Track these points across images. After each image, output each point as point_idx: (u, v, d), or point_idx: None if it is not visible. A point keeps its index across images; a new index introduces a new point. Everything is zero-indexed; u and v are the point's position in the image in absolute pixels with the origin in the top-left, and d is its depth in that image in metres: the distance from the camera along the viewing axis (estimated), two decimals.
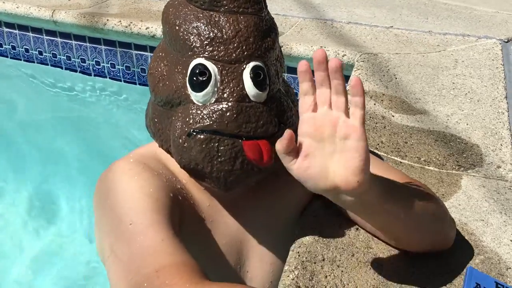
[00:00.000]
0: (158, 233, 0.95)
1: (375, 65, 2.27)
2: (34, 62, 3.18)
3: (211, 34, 1.03)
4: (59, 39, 3.04)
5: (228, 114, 1.01)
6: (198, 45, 1.04)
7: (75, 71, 3.08)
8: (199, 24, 1.04)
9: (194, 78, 1.02)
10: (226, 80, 1.02)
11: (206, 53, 1.03)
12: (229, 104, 1.01)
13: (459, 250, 1.27)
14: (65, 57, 3.07)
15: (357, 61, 2.32)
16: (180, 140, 1.04)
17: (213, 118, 1.02)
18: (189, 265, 0.91)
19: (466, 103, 1.97)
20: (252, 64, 1.04)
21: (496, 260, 1.24)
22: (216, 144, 1.02)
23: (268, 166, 1.05)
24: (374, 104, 1.94)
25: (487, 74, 2.20)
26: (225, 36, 1.03)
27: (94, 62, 3.00)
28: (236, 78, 1.02)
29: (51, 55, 3.10)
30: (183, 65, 1.05)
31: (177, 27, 1.06)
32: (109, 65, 2.98)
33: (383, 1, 3.10)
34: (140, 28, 2.73)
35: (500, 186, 1.52)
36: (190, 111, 1.03)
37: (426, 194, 1.11)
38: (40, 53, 3.13)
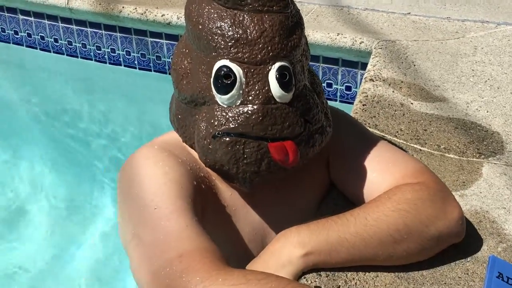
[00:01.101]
0: (182, 219, 0.95)
1: (393, 52, 2.24)
2: (50, 51, 3.19)
3: (236, 35, 1.00)
4: (74, 27, 3.04)
5: (254, 117, 0.99)
6: (222, 46, 1.01)
7: (90, 58, 3.08)
8: (223, 23, 1.01)
9: (219, 81, 1.00)
10: (252, 82, 1.00)
11: (231, 54, 1.00)
12: (255, 107, 0.99)
13: (481, 238, 1.26)
14: (80, 45, 3.07)
15: (374, 48, 2.30)
16: (205, 142, 1.03)
17: (238, 121, 1.00)
18: (212, 251, 0.91)
19: (486, 90, 1.95)
20: (277, 64, 1.01)
21: None
22: (242, 146, 1.00)
23: (294, 166, 1.04)
24: (393, 91, 1.92)
25: (507, 61, 2.17)
26: (249, 37, 1.00)
27: (109, 50, 3.00)
28: (261, 80, 1.00)
29: (66, 42, 3.11)
30: (207, 65, 1.03)
31: (200, 26, 1.04)
32: (124, 53, 2.98)
33: None
34: (155, 15, 2.72)
35: None
36: (215, 113, 1.02)
37: (401, 215, 1.05)
38: (56, 40, 3.14)
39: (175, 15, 2.67)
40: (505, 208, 1.36)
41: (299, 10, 1.10)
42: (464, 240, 1.18)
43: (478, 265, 1.17)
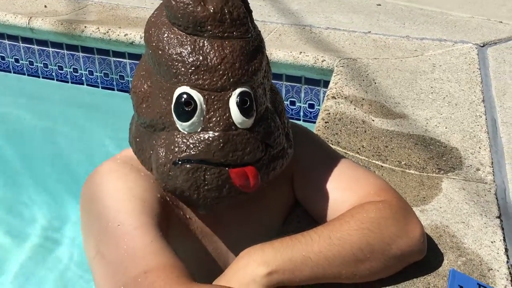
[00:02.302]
0: (146, 235, 0.95)
1: (354, 70, 2.28)
2: (10, 71, 3.14)
3: (196, 62, 0.99)
4: (35, 46, 3.01)
5: (214, 144, 0.99)
6: (182, 72, 1.00)
7: (52, 78, 3.05)
8: (183, 50, 1.00)
9: (180, 108, 0.99)
10: (212, 109, 0.99)
11: (191, 81, 0.99)
12: (216, 133, 0.99)
13: (441, 252, 1.28)
14: (42, 65, 3.04)
15: (336, 66, 2.34)
16: (165, 168, 1.02)
17: (199, 148, 0.99)
18: (177, 266, 0.91)
19: (444, 107, 1.99)
20: (238, 90, 1.01)
21: (478, 262, 1.26)
22: (203, 173, 1.00)
23: (255, 190, 1.05)
24: (354, 108, 1.95)
25: (464, 78, 2.23)
26: (210, 64, 0.99)
27: (71, 70, 2.98)
28: (222, 107, 1.00)
29: (27, 62, 3.07)
30: (168, 91, 1.02)
31: (160, 52, 1.02)
32: (87, 72, 2.95)
33: (360, 6, 3.13)
34: (118, 35, 2.71)
35: (480, 188, 1.53)
36: (176, 139, 1.01)
37: (361, 233, 1.07)
38: (17, 60, 3.10)
39: (138, 35, 2.67)
40: (464, 222, 1.39)
41: (259, 32, 1.10)
42: (425, 255, 1.20)
43: (439, 278, 1.19)
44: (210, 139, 0.99)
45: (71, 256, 2.21)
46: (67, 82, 3.02)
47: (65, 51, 2.94)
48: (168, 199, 1.09)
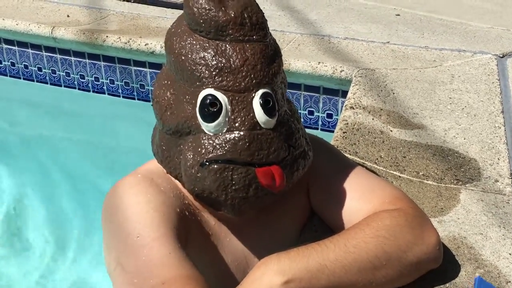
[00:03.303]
0: (165, 246, 0.97)
1: (372, 80, 2.29)
2: (33, 79, 3.20)
3: (219, 64, 1.03)
4: (58, 56, 3.06)
5: (240, 143, 1.02)
6: (206, 75, 1.04)
7: (74, 87, 3.10)
8: (206, 54, 1.04)
9: (205, 109, 1.03)
10: (237, 109, 1.03)
11: (216, 83, 1.03)
12: (241, 133, 1.02)
13: (459, 264, 1.28)
14: (64, 73, 3.09)
15: (355, 76, 2.35)
16: (193, 170, 1.05)
17: (226, 148, 1.02)
18: (195, 279, 0.92)
19: (463, 118, 1.99)
20: (261, 91, 1.04)
21: (496, 274, 1.26)
22: (230, 173, 1.02)
23: (281, 190, 1.06)
24: (373, 119, 1.96)
25: (483, 89, 2.22)
26: (233, 66, 1.03)
27: (93, 78, 3.02)
28: (246, 107, 1.03)
29: (50, 71, 3.12)
30: (192, 95, 1.06)
31: (183, 57, 1.06)
32: (108, 81, 3.00)
33: (379, 17, 3.14)
34: (139, 45, 2.75)
35: (498, 200, 1.53)
36: (202, 141, 1.04)
37: (376, 242, 1.08)
38: (40, 69, 3.15)
39: (159, 44, 2.71)
40: (482, 234, 1.39)
41: (275, 40, 1.14)
42: (442, 266, 1.20)
43: None
44: (236, 138, 1.02)
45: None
46: (89, 90, 3.07)
47: (87, 60, 2.99)
48: (187, 213, 1.10)
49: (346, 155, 1.65)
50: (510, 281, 1.24)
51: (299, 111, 2.55)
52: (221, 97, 1.03)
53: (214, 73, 1.03)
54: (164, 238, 0.99)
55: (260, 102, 1.03)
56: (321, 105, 2.55)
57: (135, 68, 2.88)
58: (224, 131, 1.03)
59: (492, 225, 1.42)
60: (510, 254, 1.32)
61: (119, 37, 2.80)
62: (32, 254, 2.32)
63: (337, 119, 2.50)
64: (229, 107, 1.03)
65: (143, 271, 0.94)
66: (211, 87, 1.03)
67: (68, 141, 2.90)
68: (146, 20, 3.07)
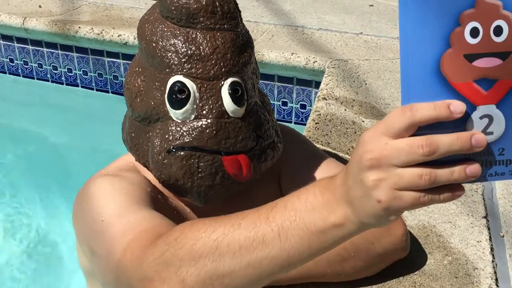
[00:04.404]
0: (124, 217, 0.96)
1: (345, 71, 2.31)
2: (5, 72, 3.16)
3: (189, 52, 1.04)
4: (30, 47, 3.02)
5: (207, 131, 1.02)
6: (176, 62, 1.04)
7: (47, 79, 3.06)
8: (176, 41, 1.05)
9: (173, 96, 1.03)
10: (205, 97, 1.03)
11: (184, 70, 1.03)
12: (209, 121, 1.02)
13: (428, 252, 1.31)
14: (36, 65, 3.05)
15: (327, 67, 2.36)
16: (160, 157, 1.05)
17: (193, 135, 1.03)
18: (150, 229, 0.90)
19: None
20: (230, 80, 1.05)
21: (464, 261, 1.28)
22: (197, 160, 1.03)
23: (247, 180, 1.07)
24: (345, 109, 1.98)
25: None
26: (202, 53, 1.03)
27: (66, 70, 2.99)
28: (215, 95, 1.03)
29: (22, 62, 3.08)
30: (161, 82, 1.06)
31: (154, 44, 1.06)
32: (81, 73, 2.97)
33: (352, 7, 3.15)
34: (112, 36, 2.73)
35: (467, 188, 1.56)
36: (169, 128, 1.04)
37: None
38: (11, 60, 3.11)
39: (132, 35, 2.69)
40: (451, 222, 1.41)
41: (248, 31, 1.15)
42: (411, 254, 1.23)
43: (425, 277, 1.22)
44: (204, 126, 1.02)
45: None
46: (62, 82, 3.04)
47: (60, 51, 2.96)
48: (160, 207, 1.10)
49: (319, 145, 1.67)
50: (477, 268, 1.27)
51: (272, 102, 2.56)
52: (190, 84, 1.03)
53: (183, 60, 1.04)
54: (123, 209, 0.98)
55: (228, 91, 1.04)
56: (294, 96, 2.56)
57: (108, 59, 2.86)
58: (192, 118, 1.03)
59: (461, 213, 1.45)
60: (477, 242, 1.35)
61: (92, 28, 2.78)
62: None
63: (310, 109, 2.52)
64: (197, 94, 1.03)
65: (110, 250, 0.94)
66: (180, 74, 1.03)
67: (41, 132, 2.88)
68: (119, 10, 3.05)
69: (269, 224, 0.73)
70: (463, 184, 0.64)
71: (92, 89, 2.99)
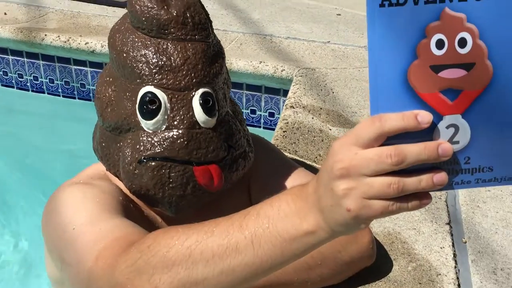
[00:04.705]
0: (95, 225, 0.96)
1: (313, 79, 2.33)
2: None
3: (160, 62, 1.04)
4: None
5: (179, 141, 1.03)
6: (147, 73, 1.04)
7: (12, 86, 3.02)
8: (147, 51, 1.05)
9: (144, 107, 1.03)
10: (176, 107, 1.03)
11: (155, 81, 1.04)
12: (180, 131, 1.03)
13: (393, 259, 1.32)
14: (1, 72, 3.01)
15: (295, 76, 2.38)
16: (131, 167, 1.05)
17: (164, 146, 1.03)
18: (122, 237, 0.90)
19: None
20: (201, 90, 1.05)
21: (427, 267, 1.30)
22: (168, 170, 1.03)
23: (219, 190, 1.07)
24: (312, 118, 2.00)
25: None
26: (173, 64, 1.04)
27: (32, 78, 2.96)
28: (186, 106, 1.04)
29: None
30: (132, 92, 1.06)
31: (124, 54, 1.06)
32: (47, 80, 2.94)
33: (320, 16, 3.19)
34: (79, 43, 2.71)
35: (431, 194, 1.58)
36: (141, 138, 1.04)
37: None
38: None
39: (99, 43, 2.67)
40: (415, 229, 1.44)
41: (219, 41, 1.15)
42: (377, 261, 1.24)
43: (390, 284, 1.24)
44: (175, 136, 1.03)
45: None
46: (27, 90, 3.00)
47: (25, 59, 2.92)
48: (132, 216, 1.10)
49: (286, 153, 1.68)
50: (440, 274, 1.29)
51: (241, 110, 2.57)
52: (161, 95, 1.03)
53: (154, 70, 1.04)
54: (94, 217, 0.98)
55: (199, 101, 1.04)
56: (263, 104, 2.57)
57: (75, 67, 2.83)
58: (163, 128, 1.03)
59: (425, 220, 1.47)
60: (441, 248, 1.37)
61: (58, 36, 2.75)
62: None
63: (278, 117, 2.53)
64: (169, 105, 1.03)
65: (81, 258, 0.93)
66: (151, 85, 1.04)
67: (6, 140, 2.83)
68: (86, 18, 3.02)
69: (242, 232, 0.74)
70: (431, 192, 0.65)
71: (59, 95, 2.96)
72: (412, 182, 0.63)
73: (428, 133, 0.64)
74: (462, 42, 0.64)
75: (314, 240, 0.71)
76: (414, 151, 0.62)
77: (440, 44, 0.64)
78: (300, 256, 0.74)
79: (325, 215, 0.68)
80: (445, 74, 0.64)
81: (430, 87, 0.64)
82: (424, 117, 0.62)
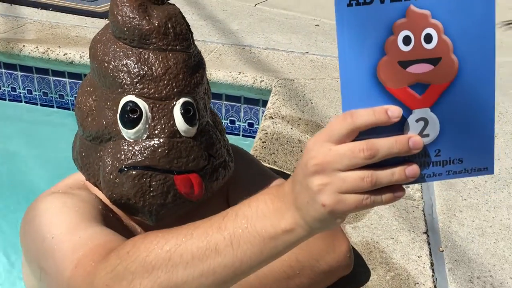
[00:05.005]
0: (74, 234, 0.96)
1: (291, 90, 2.34)
2: None
3: (141, 72, 1.05)
4: None
5: (160, 150, 1.03)
6: (128, 82, 1.05)
7: None
8: (128, 61, 1.06)
9: (126, 116, 1.04)
10: (157, 116, 1.04)
11: (137, 90, 1.04)
12: (161, 140, 1.03)
13: (371, 268, 1.34)
14: None
15: (274, 86, 2.39)
16: (111, 176, 1.05)
17: (145, 154, 1.03)
18: (102, 245, 0.90)
19: None
20: (182, 100, 1.06)
21: (405, 276, 1.32)
22: (148, 179, 1.04)
23: (199, 199, 1.08)
24: (291, 128, 2.01)
25: None
26: (155, 74, 1.05)
27: (9, 88, 2.93)
28: (167, 115, 1.04)
29: None
30: (113, 101, 1.06)
31: (106, 64, 1.07)
32: (25, 91, 2.92)
33: (299, 27, 3.21)
34: (58, 54, 2.70)
35: (409, 205, 1.61)
36: (122, 147, 1.05)
37: None
38: None
39: (78, 54, 2.66)
40: (393, 238, 1.45)
41: (200, 52, 1.17)
42: (355, 270, 1.26)
43: None
44: (156, 145, 1.03)
45: None
46: (5, 99, 2.97)
47: (3, 70, 2.90)
48: (112, 225, 1.10)
49: (265, 164, 1.68)
50: (418, 283, 1.30)
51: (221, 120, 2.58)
52: (142, 104, 1.04)
53: (135, 80, 1.04)
54: (73, 226, 0.97)
55: (180, 111, 1.05)
56: (242, 114, 2.58)
57: (54, 78, 2.82)
58: (144, 138, 1.04)
59: (403, 229, 1.49)
60: (418, 257, 1.39)
61: (37, 47, 2.74)
62: None
63: (257, 128, 2.54)
64: (150, 114, 1.04)
65: (60, 267, 0.93)
66: (132, 94, 1.04)
67: None
68: (65, 29, 3.01)
69: (221, 233, 0.74)
70: (404, 186, 0.67)
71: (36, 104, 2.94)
72: (385, 175, 0.64)
73: (398, 127, 0.66)
74: (428, 38, 0.66)
75: (293, 238, 0.72)
76: (385, 145, 0.64)
77: (407, 40, 0.66)
78: (280, 254, 0.75)
79: (302, 212, 0.69)
80: (413, 69, 0.66)
81: (399, 82, 0.66)
82: (394, 111, 0.64)
